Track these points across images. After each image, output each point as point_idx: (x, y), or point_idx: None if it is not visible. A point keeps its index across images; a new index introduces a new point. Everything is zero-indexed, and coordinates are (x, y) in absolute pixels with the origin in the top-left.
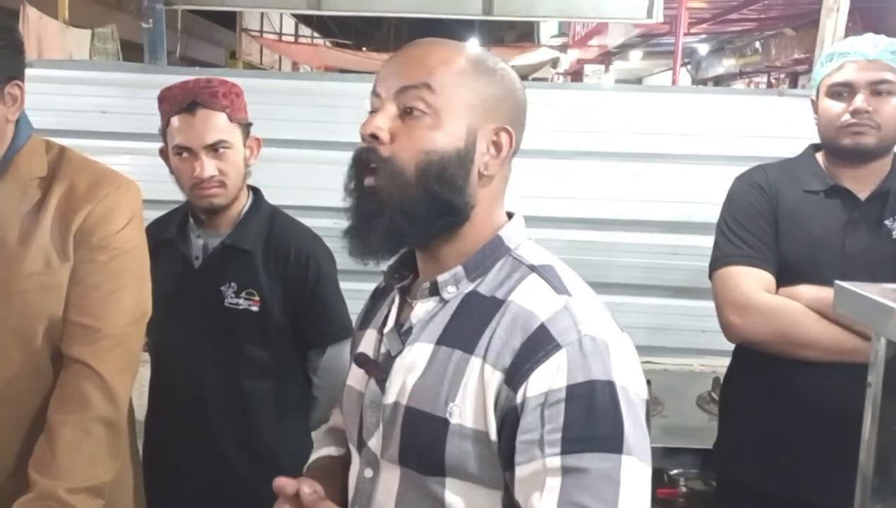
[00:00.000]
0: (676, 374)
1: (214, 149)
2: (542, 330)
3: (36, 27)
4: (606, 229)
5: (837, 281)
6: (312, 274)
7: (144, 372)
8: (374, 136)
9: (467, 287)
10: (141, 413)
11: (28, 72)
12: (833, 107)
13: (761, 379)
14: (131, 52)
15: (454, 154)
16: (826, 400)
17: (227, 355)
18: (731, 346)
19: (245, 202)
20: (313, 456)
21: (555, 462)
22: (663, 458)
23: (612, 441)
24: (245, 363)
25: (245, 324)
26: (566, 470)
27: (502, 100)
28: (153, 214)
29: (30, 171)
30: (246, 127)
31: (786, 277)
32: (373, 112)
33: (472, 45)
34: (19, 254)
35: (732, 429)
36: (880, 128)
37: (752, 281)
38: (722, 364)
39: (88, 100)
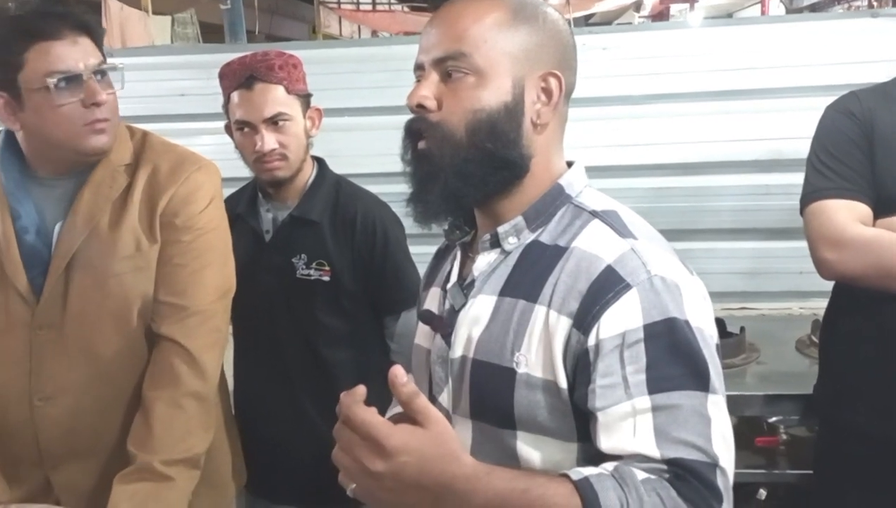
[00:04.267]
0: (774, 319)
1: (274, 122)
2: (610, 271)
3: (118, 18)
4: (694, 173)
5: None
6: (380, 241)
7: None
8: (421, 106)
9: (528, 237)
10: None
11: (110, 61)
12: None
13: (863, 316)
14: (213, 34)
15: (502, 108)
16: None
17: (305, 326)
18: (830, 286)
19: (310, 173)
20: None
21: (643, 402)
22: (761, 406)
23: (698, 380)
24: (322, 332)
25: (318, 295)
26: (657, 409)
27: (546, 45)
28: (232, 191)
29: (118, 158)
30: (305, 98)
31: (888, 209)
32: (418, 79)
33: None
34: (112, 239)
35: (834, 371)
36: None
37: (847, 214)
38: (822, 306)
39: (167, 85)
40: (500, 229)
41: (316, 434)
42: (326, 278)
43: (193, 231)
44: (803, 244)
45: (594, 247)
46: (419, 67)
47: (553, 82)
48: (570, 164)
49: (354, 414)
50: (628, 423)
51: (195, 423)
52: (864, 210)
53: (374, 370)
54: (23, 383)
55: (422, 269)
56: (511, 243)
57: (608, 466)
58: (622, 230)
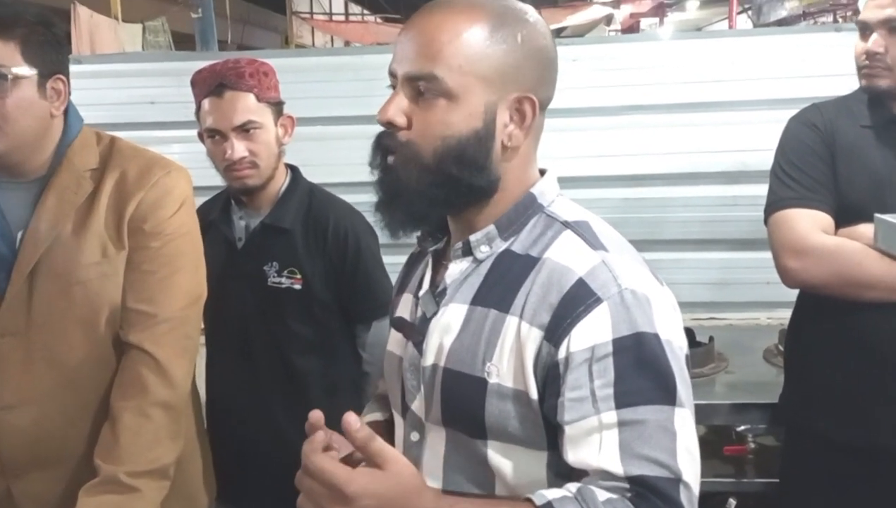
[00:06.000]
0: (742, 329)
1: (244, 130)
2: (581, 284)
3: (87, 25)
4: (662, 184)
5: (877, 214)
6: (353, 250)
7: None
8: (391, 123)
9: (500, 246)
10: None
11: (78, 68)
12: (857, 45)
13: (826, 324)
14: (184, 44)
15: (472, 135)
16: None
17: (276, 334)
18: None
19: (283, 181)
20: (364, 418)
21: (610, 417)
22: (730, 415)
23: (664, 394)
24: (293, 341)
25: (289, 303)
26: (623, 424)
27: (522, 66)
28: (204, 200)
29: (83, 163)
30: (277, 105)
31: (849, 218)
32: (391, 86)
33: (493, 3)
34: (77, 245)
35: (799, 378)
36: (893, 70)
37: (809, 223)
38: (789, 316)
39: (137, 92)
40: (472, 238)
41: (285, 442)
42: (298, 286)
43: (163, 236)
44: (770, 255)
45: (566, 258)
46: (392, 74)
47: (527, 106)
48: (542, 172)
49: (313, 463)
50: (594, 438)
51: (163, 433)
52: (826, 219)
53: (345, 379)
54: None
55: (395, 279)
56: (483, 252)
57: (572, 487)
58: (593, 241)
